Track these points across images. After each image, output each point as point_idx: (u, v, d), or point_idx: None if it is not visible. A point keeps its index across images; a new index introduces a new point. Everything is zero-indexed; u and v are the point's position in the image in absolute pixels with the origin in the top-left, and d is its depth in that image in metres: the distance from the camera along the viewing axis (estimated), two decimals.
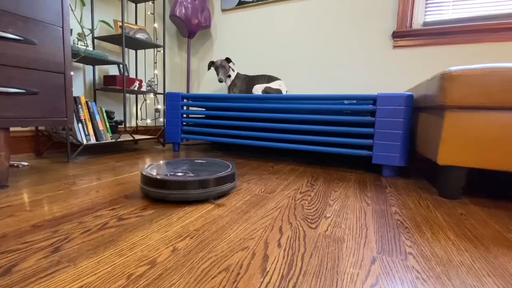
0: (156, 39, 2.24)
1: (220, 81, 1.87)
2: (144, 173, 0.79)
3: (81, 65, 1.67)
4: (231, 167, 0.92)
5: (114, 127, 1.67)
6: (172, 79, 2.50)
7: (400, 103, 1.13)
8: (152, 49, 2.22)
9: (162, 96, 2.37)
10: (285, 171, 1.23)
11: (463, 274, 0.46)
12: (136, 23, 2.00)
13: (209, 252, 0.50)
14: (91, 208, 0.70)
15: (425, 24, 1.71)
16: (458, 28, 1.57)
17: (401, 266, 0.48)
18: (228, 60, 1.91)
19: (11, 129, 1.40)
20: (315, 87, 2.02)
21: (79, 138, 1.36)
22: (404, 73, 1.75)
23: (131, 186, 0.91)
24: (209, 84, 2.43)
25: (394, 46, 1.75)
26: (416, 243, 0.57)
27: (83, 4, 1.55)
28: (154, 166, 0.89)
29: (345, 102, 1.32)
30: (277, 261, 0.48)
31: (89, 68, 1.72)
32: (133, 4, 2.01)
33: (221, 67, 1.89)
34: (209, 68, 1.96)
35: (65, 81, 0.99)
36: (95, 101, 1.75)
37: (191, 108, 2.35)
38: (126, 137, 1.63)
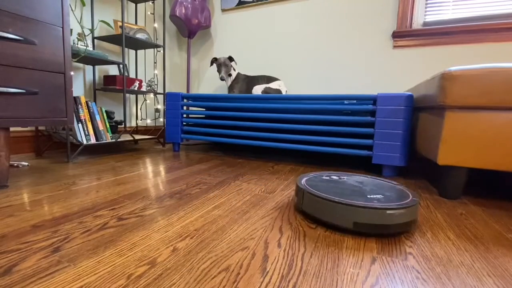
0: (156, 39, 2.24)
1: (222, 79, 1.87)
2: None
3: (81, 65, 1.67)
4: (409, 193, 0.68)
5: (114, 127, 1.67)
6: (172, 79, 2.50)
7: (400, 103, 1.13)
8: (152, 49, 2.22)
9: (162, 96, 2.37)
10: (285, 171, 1.23)
11: (463, 274, 0.46)
12: (136, 23, 2.00)
13: (209, 252, 0.50)
14: (91, 208, 0.70)
15: (425, 24, 1.71)
16: (458, 28, 1.57)
17: (401, 266, 0.48)
18: (230, 58, 1.91)
19: (11, 129, 1.40)
20: (315, 87, 2.02)
21: (79, 138, 1.36)
22: (404, 73, 1.75)
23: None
24: (209, 84, 2.43)
25: (394, 46, 1.75)
26: (416, 243, 0.57)
27: (83, 4, 1.55)
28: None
29: (345, 102, 1.32)
30: (277, 261, 0.48)
31: (89, 68, 1.72)
32: (133, 4, 2.01)
33: (224, 65, 1.89)
34: (211, 64, 1.96)
35: (65, 81, 0.99)
36: (95, 101, 1.75)
37: (191, 108, 2.34)
38: (126, 137, 1.63)
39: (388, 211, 0.57)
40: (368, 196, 0.64)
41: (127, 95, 2.02)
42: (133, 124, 2.10)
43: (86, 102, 1.41)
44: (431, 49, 1.67)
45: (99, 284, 0.40)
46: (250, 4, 2.16)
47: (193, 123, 1.66)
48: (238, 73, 1.96)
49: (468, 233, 0.63)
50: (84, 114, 1.38)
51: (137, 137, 1.69)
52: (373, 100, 1.20)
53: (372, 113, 1.26)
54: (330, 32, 1.93)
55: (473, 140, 0.82)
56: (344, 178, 0.81)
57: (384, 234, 0.60)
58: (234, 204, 0.76)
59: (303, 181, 0.76)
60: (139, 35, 1.77)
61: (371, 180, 0.80)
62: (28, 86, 0.88)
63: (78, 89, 1.67)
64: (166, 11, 2.34)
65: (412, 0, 1.68)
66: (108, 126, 1.51)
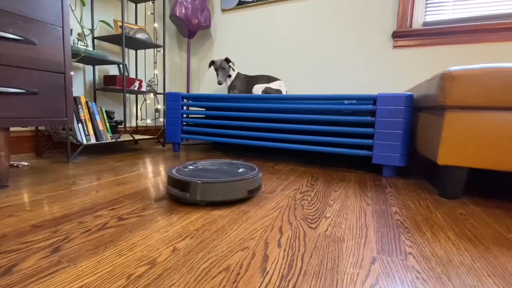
0: (156, 39, 2.24)
1: (220, 83, 1.86)
2: None
3: (81, 65, 1.67)
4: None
5: (114, 127, 1.67)
6: (172, 79, 2.50)
7: (400, 103, 1.13)
8: (152, 49, 2.22)
9: (162, 96, 2.37)
10: (285, 171, 1.23)
11: (463, 274, 0.46)
12: (136, 23, 2.00)
13: (209, 252, 0.50)
14: (91, 208, 0.70)
15: (425, 24, 1.71)
16: (458, 28, 1.57)
17: (401, 266, 0.48)
18: (227, 60, 1.90)
19: (11, 129, 1.40)
20: (315, 87, 2.02)
21: (79, 138, 1.36)
22: (404, 73, 1.75)
23: None
24: (209, 84, 2.43)
25: (394, 46, 1.75)
26: (416, 243, 0.57)
27: (83, 4, 1.55)
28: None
29: (345, 102, 1.32)
30: (277, 261, 0.48)
31: (89, 68, 1.72)
32: (133, 4, 2.01)
33: (221, 68, 1.88)
34: (209, 67, 1.96)
35: (65, 81, 0.99)
36: (95, 101, 1.75)
37: (191, 108, 2.35)
38: (126, 137, 1.63)
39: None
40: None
41: (127, 95, 2.02)
42: (133, 124, 2.10)
43: (86, 102, 1.41)
44: (431, 49, 1.67)
45: (99, 284, 0.40)
46: (250, 4, 2.16)
47: (193, 123, 1.66)
48: (238, 73, 1.96)
49: (468, 233, 0.63)
50: (84, 114, 1.38)
51: (137, 137, 1.69)
52: (373, 100, 1.20)
53: (372, 113, 1.26)
54: (330, 32, 1.93)
55: (473, 140, 0.82)
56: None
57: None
58: (234, 204, 0.76)
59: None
60: (139, 35, 1.77)
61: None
62: (28, 86, 0.88)
63: (78, 89, 1.67)
64: (166, 11, 2.34)
65: (412, 0, 1.68)
66: (108, 126, 1.51)
